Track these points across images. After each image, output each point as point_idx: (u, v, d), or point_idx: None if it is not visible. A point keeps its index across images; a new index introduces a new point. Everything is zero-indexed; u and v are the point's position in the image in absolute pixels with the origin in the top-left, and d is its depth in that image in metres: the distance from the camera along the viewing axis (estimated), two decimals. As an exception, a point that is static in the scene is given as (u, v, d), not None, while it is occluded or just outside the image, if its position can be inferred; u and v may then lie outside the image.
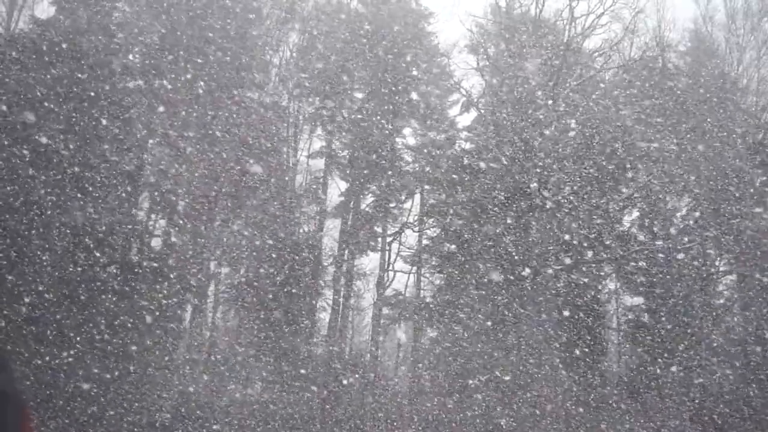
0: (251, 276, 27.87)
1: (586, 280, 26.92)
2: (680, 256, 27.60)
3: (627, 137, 28.23)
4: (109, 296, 21.84)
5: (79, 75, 23.44)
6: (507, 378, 23.93)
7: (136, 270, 23.37)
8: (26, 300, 20.11)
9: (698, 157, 28.11)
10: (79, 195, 22.45)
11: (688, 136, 28.50)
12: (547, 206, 26.70)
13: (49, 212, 21.36)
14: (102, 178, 23.20)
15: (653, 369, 25.54)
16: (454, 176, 30.14)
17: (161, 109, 26.29)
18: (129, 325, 21.89)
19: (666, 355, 25.59)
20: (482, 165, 28.97)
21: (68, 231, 21.77)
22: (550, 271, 26.21)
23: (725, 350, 26.25)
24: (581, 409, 23.93)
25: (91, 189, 22.83)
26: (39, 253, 20.83)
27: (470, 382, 24.65)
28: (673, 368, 25.22)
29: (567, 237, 26.50)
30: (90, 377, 20.24)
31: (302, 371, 25.96)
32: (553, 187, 27.35)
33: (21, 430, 2.29)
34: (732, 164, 28.26)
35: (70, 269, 21.44)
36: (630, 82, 30.40)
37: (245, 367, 24.93)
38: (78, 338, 20.54)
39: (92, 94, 23.53)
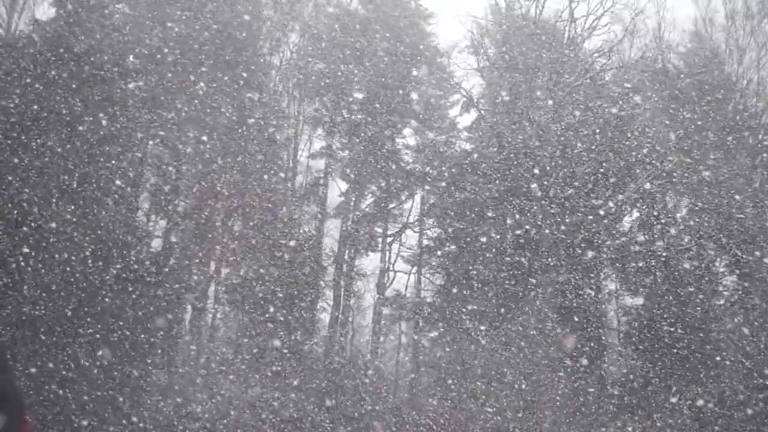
0: (252, 276, 27.86)
1: (586, 280, 26.93)
2: (680, 256, 27.63)
3: (627, 136, 28.28)
4: (108, 297, 21.84)
5: (79, 76, 23.45)
6: (506, 379, 23.95)
7: (135, 270, 23.38)
8: (25, 301, 20.12)
9: (699, 157, 28.12)
10: (78, 193, 22.47)
11: (689, 135, 28.51)
12: (547, 207, 26.72)
13: (48, 213, 21.37)
14: (102, 179, 23.22)
15: (653, 370, 25.55)
16: (454, 176, 30.17)
17: (161, 110, 26.29)
18: (128, 326, 21.90)
19: (666, 356, 25.60)
20: (482, 165, 29.00)
21: (67, 231, 21.77)
22: (549, 271, 26.21)
23: (725, 350, 26.23)
24: (582, 409, 23.94)
25: (91, 189, 22.84)
26: (38, 254, 20.84)
27: (469, 382, 24.67)
28: (673, 369, 25.24)
29: (567, 237, 26.51)
30: (89, 379, 20.24)
31: (302, 371, 25.96)
32: (553, 187, 27.38)
33: (20, 431, 2.31)
34: (733, 165, 28.28)
35: (69, 270, 21.44)
36: (632, 81, 30.40)
37: (245, 368, 24.93)
38: (77, 340, 20.54)
39: (92, 95, 23.54)
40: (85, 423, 19.90)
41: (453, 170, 30.70)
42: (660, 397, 24.84)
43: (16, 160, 21.29)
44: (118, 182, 24.14)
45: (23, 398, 2.40)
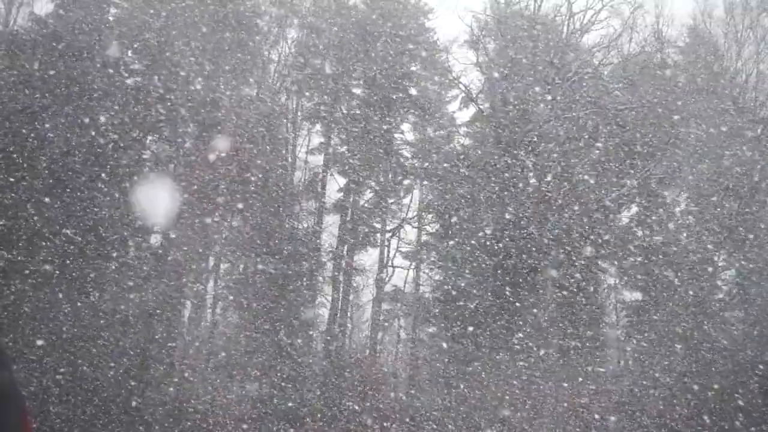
0: (250, 272, 27.87)
1: (584, 275, 26.92)
2: (679, 251, 27.63)
3: (626, 132, 28.27)
4: (108, 292, 21.83)
5: (78, 71, 23.42)
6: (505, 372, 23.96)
7: (135, 266, 23.37)
8: (24, 297, 20.11)
9: (698, 150, 28.12)
10: (77, 189, 22.45)
11: (688, 131, 28.49)
12: (546, 202, 26.71)
13: (48, 207, 21.35)
14: (101, 174, 23.21)
15: (652, 364, 25.56)
16: (453, 172, 30.14)
17: (159, 105, 26.26)
18: (128, 321, 21.90)
19: (665, 351, 25.61)
20: (481, 160, 28.99)
21: (67, 227, 21.75)
22: (548, 266, 26.22)
23: (724, 346, 26.23)
24: (582, 401, 23.96)
25: (90, 184, 22.82)
26: (38, 249, 20.82)
27: (468, 377, 24.68)
28: (673, 364, 25.26)
29: (565, 232, 26.51)
30: (88, 374, 20.25)
31: (301, 367, 25.98)
32: (552, 182, 27.37)
33: (21, 430, 2.29)
34: (731, 159, 28.27)
35: (69, 265, 21.43)
36: (629, 77, 30.39)
37: (244, 363, 24.95)
38: (77, 335, 20.54)
39: (91, 90, 23.52)
40: (83, 417, 19.93)
41: (452, 165, 30.67)
42: (657, 390, 24.86)
43: (14, 156, 21.26)
44: (117, 177, 24.12)
45: (23, 396, 2.38)
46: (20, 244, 20.54)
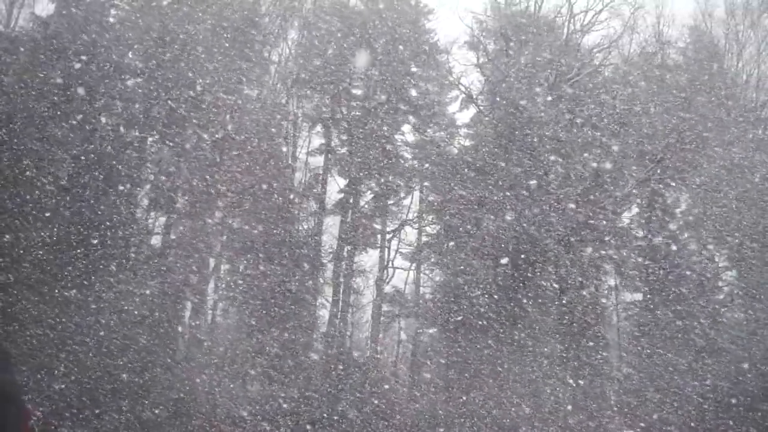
0: (251, 273, 27.84)
1: (585, 276, 26.91)
2: (679, 251, 27.62)
3: (626, 133, 28.26)
4: (109, 293, 21.81)
5: (79, 72, 23.42)
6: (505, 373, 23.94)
7: (135, 267, 23.36)
8: (25, 297, 20.09)
9: (699, 152, 28.11)
10: (78, 191, 22.45)
11: (688, 132, 28.48)
12: (546, 203, 26.69)
13: (49, 209, 21.34)
14: (101, 175, 23.20)
15: (653, 365, 25.53)
16: (453, 173, 30.13)
17: (160, 106, 26.26)
18: (129, 322, 21.89)
19: (665, 351, 25.58)
20: (481, 162, 28.97)
21: (68, 228, 21.74)
22: (549, 266, 26.20)
23: (725, 346, 26.20)
24: (582, 406, 23.93)
25: (90, 186, 22.82)
26: (39, 250, 20.81)
27: (469, 378, 24.66)
28: (672, 365, 25.22)
29: (566, 233, 26.50)
30: (89, 374, 20.24)
31: (302, 368, 25.95)
32: (553, 183, 27.36)
33: (21, 430, 2.29)
34: (732, 160, 28.26)
35: (70, 266, 21.42)
36: (629, 77, 30.38)
37: (245, 364, 24.93)
38: (77, 335, 20.53)
39: (91, 91, 23.52)
40: (84, 417, 19.90)
41: (452, 166, 30.66)
42: (659, 391, 24.83)
43: (14, 155, 21.25)
44: (117, 178, 24.12)
45: (24, 399, 2.38)
46: (21, 240, 20.52)
